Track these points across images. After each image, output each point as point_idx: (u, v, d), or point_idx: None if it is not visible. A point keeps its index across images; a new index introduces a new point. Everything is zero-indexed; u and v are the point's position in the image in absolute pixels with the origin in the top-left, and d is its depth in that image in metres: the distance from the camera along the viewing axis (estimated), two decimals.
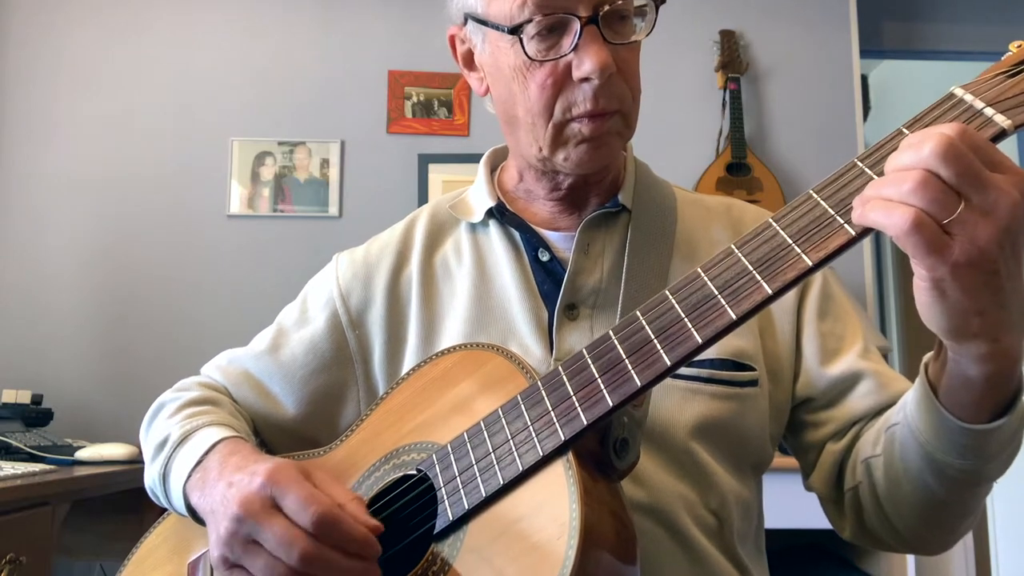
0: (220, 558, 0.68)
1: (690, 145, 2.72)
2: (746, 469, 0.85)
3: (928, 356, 0.65)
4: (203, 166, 2.70)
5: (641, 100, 0.85)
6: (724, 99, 2.73)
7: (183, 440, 0.82)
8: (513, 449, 0.64)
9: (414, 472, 0.72)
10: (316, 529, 0.63)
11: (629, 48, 0.81)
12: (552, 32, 0.78)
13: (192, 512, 0.78)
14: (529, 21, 0.77)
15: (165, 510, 0.88)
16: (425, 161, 2.72)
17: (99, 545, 2.18)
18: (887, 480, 0.75)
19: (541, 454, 0.62)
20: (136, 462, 2.03)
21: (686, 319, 0.59)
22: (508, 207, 0.91)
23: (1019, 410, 0.63)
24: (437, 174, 2.71)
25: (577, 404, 0.63)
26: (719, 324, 0.58)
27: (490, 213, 0.91)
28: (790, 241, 0.57)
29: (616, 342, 0.63)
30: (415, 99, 2.76)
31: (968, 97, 0.56)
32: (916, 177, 0.50)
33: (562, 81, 0.79)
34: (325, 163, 2.72)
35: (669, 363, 0.59)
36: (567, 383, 0.64)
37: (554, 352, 0.83)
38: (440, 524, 0.66)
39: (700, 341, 0.58)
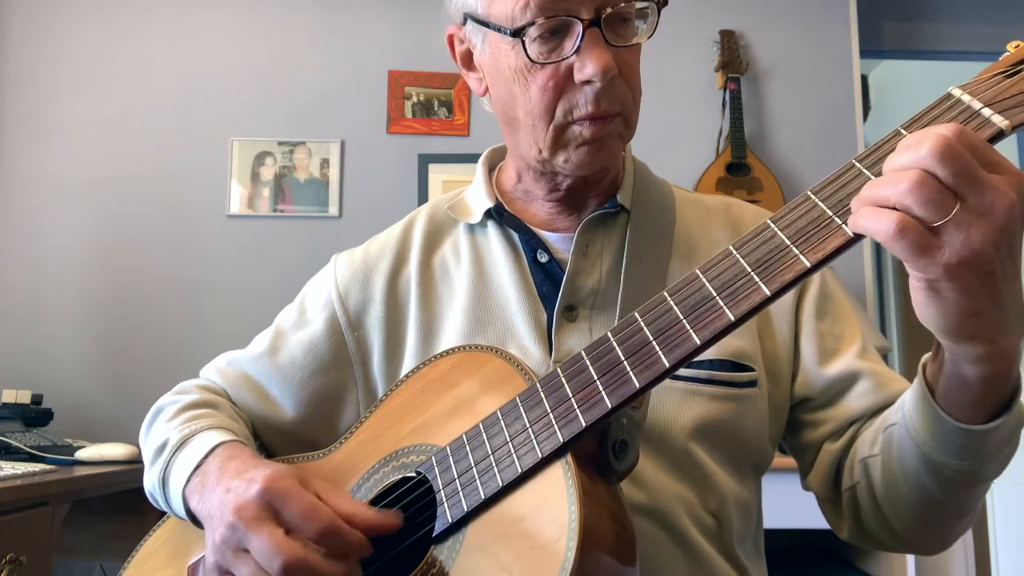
0: (214, 564, 0.69)
1: (690, 145, 2.72)
2: (746, 470, 0.85)
3: (926, 357, 0.65)
4: (203, 166, 2.70)
5: (641, 100, 0.84)
6: (724, 99, 2.73)
7: (182, 444, 0.82)
8: (512, 451, 0.64)
9: (413, 474, 0.72)
10: (320, 540, 0.64)
11: (630, 50, 0.81)
12: (554, 34, 0.77)
13: (191, 516, 0.78)
14: (531, 24, 0.77)
15: (165, 512, 0.88)
16: (425, 161, 2.72)
17: (99, 545, 2.18)
18: (884, 480, 0.75)
19: (540, 456, 0.62)
20: (136, 462, 2.03)
21: (684, 320, 0.59)
22: (506, 208, 0.91)
23: (1016, 411, 0.63)
24: (437, 174, 2.71)
25: (576, 406, 0.63)
26: (718, 325, 0.58)
27: (488, 214, 0.91)
28: (788, 242, 0.57)
29: (615, 343, 0.63)
30: (415, 99, 2.76)
31: (966, 97, 0.56)
32: (912, 177, 0.50)
33: (563, 83, 0.78)
34: (325, 163, 2.72)
35: (668, 364, 0.59)
36: (566, 385, 0.64)
37: (553, 354, 0.83)
38: (439, 526, 0.66)
39: (699, 342, 0.58)
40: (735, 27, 2.79)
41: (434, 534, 0.66)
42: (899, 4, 3.14)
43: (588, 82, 0.77)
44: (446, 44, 0.90)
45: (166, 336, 2.60)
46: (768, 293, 0.56)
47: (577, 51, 0.77)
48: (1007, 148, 3.30)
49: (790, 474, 0.90)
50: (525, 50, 0.78)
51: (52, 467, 1.89)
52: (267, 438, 0.93)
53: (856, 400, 0.83)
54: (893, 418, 0.73)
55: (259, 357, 0.95)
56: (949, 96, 0.57)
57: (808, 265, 0.55)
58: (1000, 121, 0.53)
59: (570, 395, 0.63)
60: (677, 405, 0.80)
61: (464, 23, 0.86)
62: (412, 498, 0.72)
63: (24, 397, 2.26)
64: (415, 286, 0.92)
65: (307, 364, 0.92)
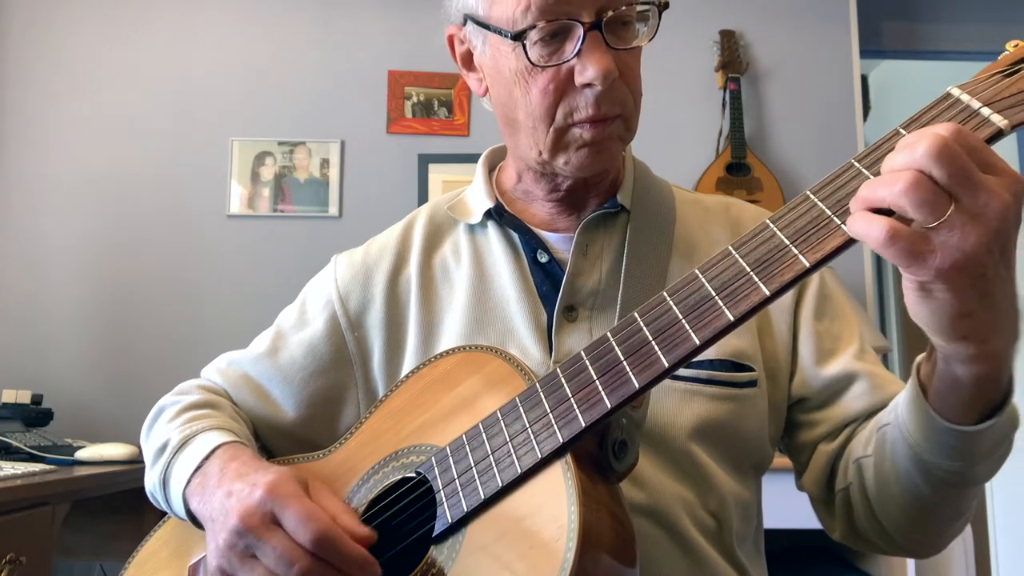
0: (217, 568, 0.69)
1: (690, 145, 2.72)
2: (746, 470, 0.85)
3: (921, 357, 0.65)
4: (203, 166, 2.70)
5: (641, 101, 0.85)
6: (724, 99, 2.73)
7: (183, 444, 0.82)
8: (512, 451, 0.64)
9: (413, 475, 0.72)
10: (315, 547, 0.64)
11: (631, 53, 0.81)
12: (555, 37, 0.77)
13: (192, 517, 0.78)
14: (532, 27, 0.76)
15: (166, 512, 0.88)
16: (425, 161, 2.72)
17: (99, 545, 2.18)
18: (877, 481, 0.75)
19: (539, 456, 0.62)
20: (136, 462, 2.03)
21: (684, 320, 0.59)
22: (507, 208, 0.91)
23: (1007, 413, 0.62)
24: (437, 174, 2.71)
25: (575, 406, 0.63)
26: (717, 325, 0.58)
27: (489, 214, 0.91)
28: (787, 242, 0.57)
29: (614, 344, 0.63)
30: (415, 99, 2.76)
31: (965, 97, 0.56)
32: (907, 179, 0.50)
33: (564, 86, 0.78)
34: (325, 163, 2.72)
35: (667, 364, 0.59)
36: (565, 385, 0.64)
37: (553, 354, 0.83)
38: (439, 526, 0.66)
39: (698, 342, 0.58)
40: (735, 27, 2.79)
41: (434, 534, 0.66)
42: (899, 4, 3.14)
43: (589, 85, 0.77)
44: (446, 44, 0.90)
45: (166, 336, 2.60)
46: (767, 293, 0.56)
47: (578, 54, 0.77)
48: (1007, 148, 3.30)
49: (790, 474, 0.90)
50: (526, 53, 0.78)
51: (52, 467, 1.89)
52: (268, 439, 0.93)
53: (852, 401, 0.83)
54: (887, 419, 0.73)
55: (260, 358, 0.95)
56: (948, 96, 0.57)
57: (807, 265, 0.55)
58: (999, 120, 0.53)
59: (570, 395, 0.63)
60: (677, 405, 0.80)
61: (464, 24, 0.86)
62: (412, 498, 0.72)
63: (24, 397, 2.26)
64: (415, 286, 0.92)
65: (307, 365, 0.92)
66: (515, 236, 0.90)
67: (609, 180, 0.90)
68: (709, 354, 0.80)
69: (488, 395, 0.71)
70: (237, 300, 2.62)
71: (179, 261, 2.65)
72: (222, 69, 2.76)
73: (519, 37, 0.77)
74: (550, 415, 0.64)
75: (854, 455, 0.79)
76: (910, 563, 2.12)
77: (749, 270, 0.58)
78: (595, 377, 0.63)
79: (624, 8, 0.78)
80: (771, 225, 0.58)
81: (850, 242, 0.54)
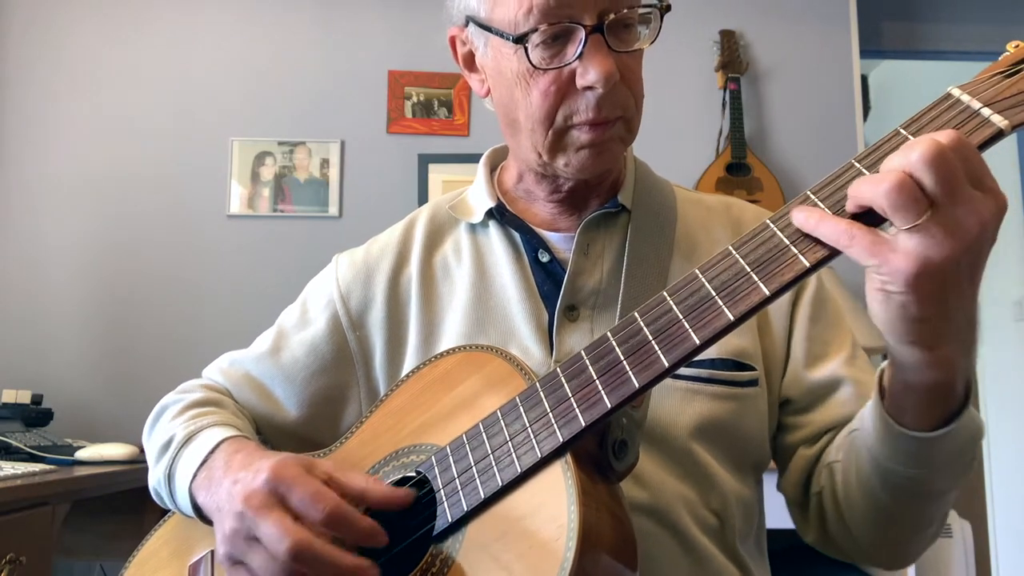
0: (225, 555, 0.69)
1: (690, 145, 2.72)
2: (747, 469, 0.86)
3: (885, 363, 0.65)
4: (203, 166, 2.70)
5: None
6: (724, 99, 2.73)
7: (187, 441, 0.82)
8: (512, 451, 0.64)
9: (413, 474, 0.72)
10: (327, 524, 0.64)
11: (633, 55, 0.81)
12: (557, 40, 0.77)
13: (198, 512, 0.78)
14: (534, 30, 0.76)
15: (167, 511, 0.88)
16: (425, 161, 2.72)
17: (99, 545, 2.18)
18: (844, 485, 0.75)
19: (539, 456, 0.62)
20: (136, 462, 2.03)
21: (684, 320, 0.60)
22: (508, 208, 0.91)
23: (964, 421, 0.62)
24: (437, 174, 2.71)
25: (575, 405, 0.63)
26: (717, 325, 0.58)
27: (490, 214, 0.91)
28: (787, 242, 0.57)
29: (614, 343, 0.63)
30: (415, 99, 2.76)
31: (965, 97, 0.56)
32: (893, 179, 0.50)
33: (565, 89, 0.78)
34: (325, 163, 2.72)
35: (667, 364, 0.59)
36: (565, 385, 0.64)
37: (554, 353, 0.83)
38: (439, 526, 0.66)
39: (698, 342, 0.58)
40: (735, 27, 2.79)
41: (434, 533, 0.67)
42: (899, 4, 3.14)
43: (590, 88, 0.77)
44: (447, 44, 0.90)
45: (166, 336, 2.60)
46: (767, 293, 0.56)
47: (579, 57, 0.77)
48: (1007, 148, 3.31)
49: None
50: (527, 56, 0.77)
51: (52, 467, 1.88)
52: (270, 438, 0.94)
53: (835, 408, 0.83)
54: (855, 424, 0.74)
55: (261, 357, 0.95)
56: (949, 96, 0.57)
57: (807, 265, 0.55)
58: (999, 121, 0.53)
59: (570, 395, 0.63)
60: (679, 404, 0.80)
61: (466, 25, 0.86)
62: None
63: (24, 397, 2.26)
64: (416, 286, 0.92)
65: (309, 364, 0.92)
66: (516, 236, 0.90)
67: (610, 180, 0.90)
68: (711, 353, 0.80)
69: (488, 395, 0.71)
70: (237, 300, 2.62)
71: (179, 261, 2.65)
72: (222, 69, 2.76)
73: (521, 40, 0.77)
74: (550, 415, 0.64)
75: (827, 459, 0.80)
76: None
77: (749, 270, 0.58)
78: (595, 377, 0.63)
79: (626, 11, 0.78)
80: (771, 225, 0.59)
81: None
